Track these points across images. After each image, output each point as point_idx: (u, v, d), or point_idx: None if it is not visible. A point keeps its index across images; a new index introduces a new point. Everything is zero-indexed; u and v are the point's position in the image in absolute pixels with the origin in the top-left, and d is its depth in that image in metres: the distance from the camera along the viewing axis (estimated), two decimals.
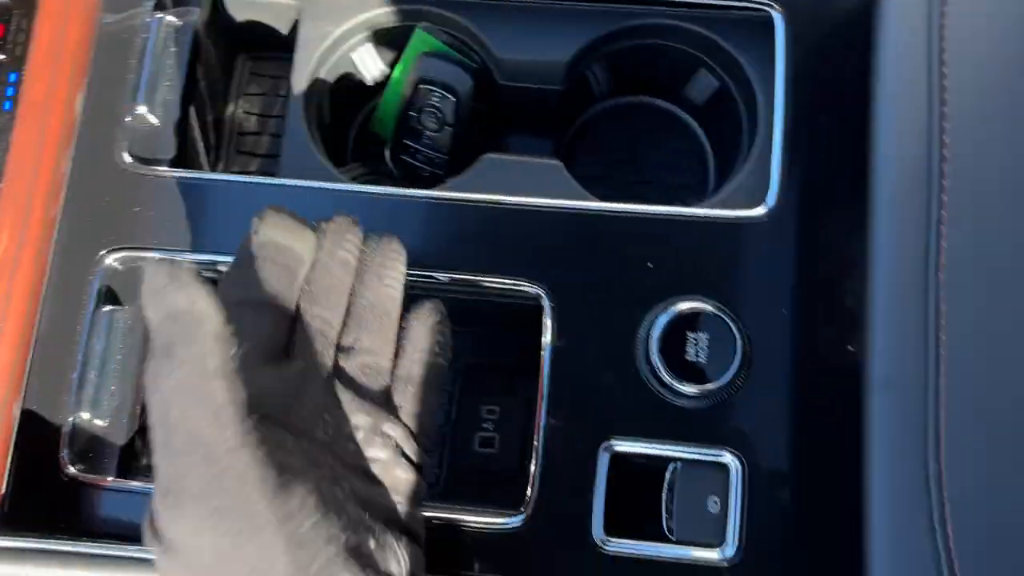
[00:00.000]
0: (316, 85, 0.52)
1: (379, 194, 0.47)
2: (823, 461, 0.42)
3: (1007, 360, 0.35)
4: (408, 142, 0.55)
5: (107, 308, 0.46)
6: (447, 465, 0.53)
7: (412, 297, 0.40)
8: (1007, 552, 0.34)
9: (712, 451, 0.43)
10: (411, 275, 0.40)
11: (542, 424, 0.43)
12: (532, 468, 0.43)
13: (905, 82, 0.37)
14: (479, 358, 0.54)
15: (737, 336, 0.43)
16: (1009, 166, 0.36)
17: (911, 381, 0.35)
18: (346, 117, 0.58)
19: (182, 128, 0.49)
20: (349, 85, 0.55)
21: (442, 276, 0.45)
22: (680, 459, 0.43)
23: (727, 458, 0.43)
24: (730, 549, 0.41)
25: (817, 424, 0.43)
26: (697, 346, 0.43)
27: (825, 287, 0.44)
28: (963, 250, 0.35)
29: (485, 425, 0.52)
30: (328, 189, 0.47)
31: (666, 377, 0.42)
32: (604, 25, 0.50)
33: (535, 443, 0.43)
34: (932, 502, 0.34)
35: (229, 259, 0.43)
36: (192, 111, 0.51)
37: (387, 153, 0.56)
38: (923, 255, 0.36)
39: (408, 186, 0.48)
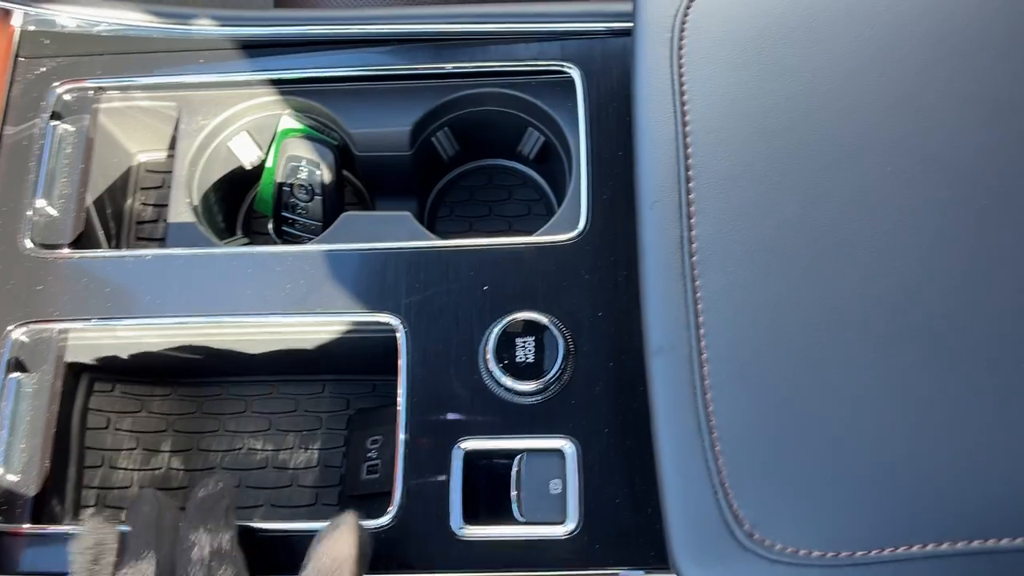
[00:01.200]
0: (198, 172, 0.60)
1: (246, 253, 0.55)
2: (644, 433, 0.49)
3: (752, 323, 0.42)
4: (286, 215, 0.63)
5: (15, 375, 0.52)
6: (345, 500, 0.59)
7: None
8: (773, 480, 0.41)
9: (551, 439, 0.49)
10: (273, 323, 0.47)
11: (401, 438, 0.50)
12: (396, 475, 0.49)
13: (655, 106, 0.46)
14: (366, 401, 0.62)
15: (559, 336, 0.50)
16: (738, 173, 0.44)
17: (679, 346, 0.42)
18: (236, 199, 0.66)
19: (80, 217, 0.57)
20: (233, 170, 0.64)
21: (306, 319, 0.53)
22: (523, 450, 0.49)
23: (564, 444, 0.49)
24: (571, 523, 0.48)
25: (636, 403, 0.50)
26: (526, 349, 0.50)
27: (630, 288, 0.52)
28: (709, 238, 0.44)
29: (370, 454, 0.58)
30: (202, 255, 0.55)
31: (501, 378, 0.50)
32: (437, 97, 0.59)
33: (397, 455, 0.50)
34: (705, 447, 0.41)
35: (124, 322, 0.50)
36: (91, 203, 0.59)
37: (270, 226, 0.65)
38: (678, 244, 0.44)
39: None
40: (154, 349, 0.56)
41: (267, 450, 0.62)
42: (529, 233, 0.56)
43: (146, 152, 0.65)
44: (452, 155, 0.64)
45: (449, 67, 0.58)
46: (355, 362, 0.60)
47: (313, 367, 0.61)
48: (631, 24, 0.51)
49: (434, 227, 0.67)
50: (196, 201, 0.59)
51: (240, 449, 0.62)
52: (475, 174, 0.68)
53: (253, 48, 0.59)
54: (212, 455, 0.62)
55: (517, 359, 0.50)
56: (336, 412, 0.63)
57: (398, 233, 0.56)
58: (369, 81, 0.59)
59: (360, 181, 0.65)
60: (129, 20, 0.58)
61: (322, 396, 0.63)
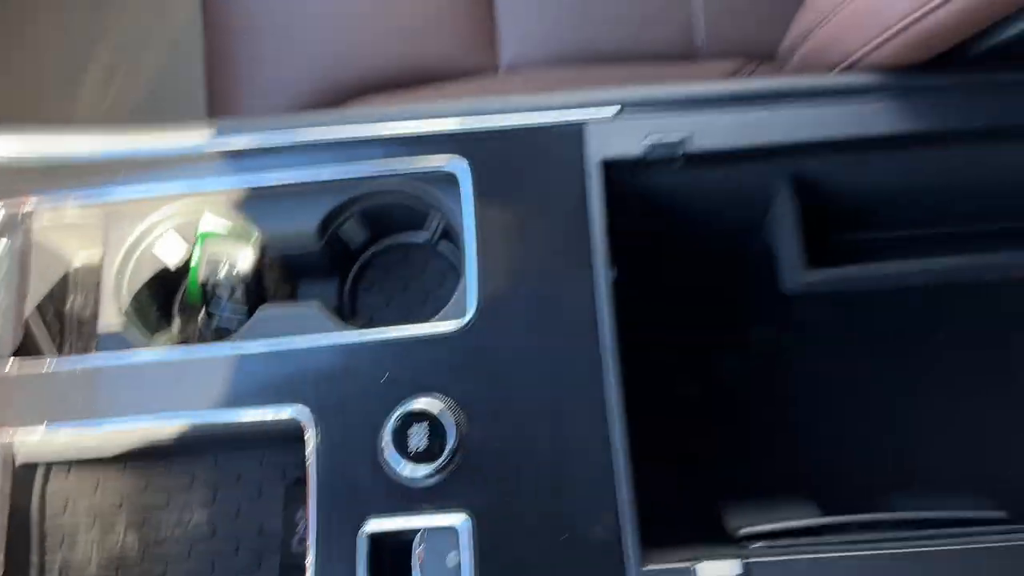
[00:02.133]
0: (126, 278, 0.65)
1: (165, 360, 0.60)
2: (534, 503, 0.54)
3: None
4: (212, 311, 0.68)
5: None
6: (283, 568, 0.64)
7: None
8: None
9: (448, 515, 0.55)
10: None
11: (313, 519, 0.55)
12: (308, 556, 0.55)
13: None
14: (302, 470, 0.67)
15: (451, 421, 0.55)
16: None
17: None
18: (170, 292, 0.72)
19: (19, 329, 0.62)
20: (162, 270, 0.69)
21: (223, 413, 0.58)
22: (423, 528, 0.55)
23: (459, 519, 0.54)
24: None
25: (526, 476, 0.55)
26: (421, 434, 0.55)
27: (517, 370, 0.57)
28: None
29: (298, 527, 0.63)
30: (125, 365, 0.60)
31: (399, 463, 0.55)
32: (341, 194, 0.64)
33: (308, 537, 0.55)
34: None
35: (63, 429, 0.55)
36: (33, 310, 0.64)
37: (200, 318, 0.70)
38: None
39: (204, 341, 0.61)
40: (94, 450, 0.61)
41: (214, 520, 0.67)
42: (438, 309, 0.61)
43: (83, 253, 0.70)
44: (363, 240, 0.69)
45: (350, 170, 0.62)
46: (287, 435, 0.65)
47: (250, 442, 0.66)
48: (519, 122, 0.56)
49: (356, 304, 0.72)
50: (126, 306, 0.64)
51: (189, 520, 0.68)
52: (392, 250, 0.73)
53: (172, 162, 0.64)
54: (163, 527, 0.68)
55: (414, 444, 0.55)
56: (274, 481, 0.68)
57: (309, 324, 0.61)
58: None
59: (282, 269, 0.70)
60: (58, 150, 0.64)
61: (261, 466, 0.68)
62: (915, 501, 0.65)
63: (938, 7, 0.56)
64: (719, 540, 0.61)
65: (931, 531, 0.58)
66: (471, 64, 0.87)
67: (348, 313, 0.72)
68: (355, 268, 0.72)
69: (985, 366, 0.78)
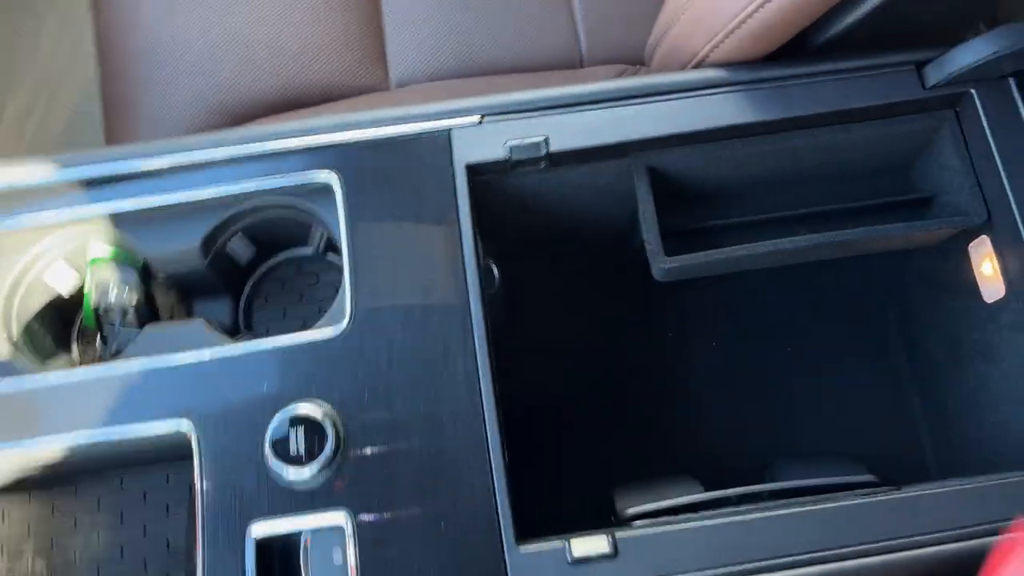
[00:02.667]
0: (14, 308, 0.66)
1: (49, 386, 0.61)
2: (414, 500, 0.57)
3: None
4: (106, 335, 0.69)
5: None
6: None
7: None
8: None
9: (331, 514, 0.57)
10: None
11: (200, 528, 0.57)
12: (197, 563, 0.56)
13: None
14: None
15: (330, 424, 0.57)
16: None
17: None
18: (67, 320, 0.73)
19: None
20: (55, 297, 0.70)
21: (114, 429, 0.59)
22: (307, 528, 0.57)
23: (342, 517, 0.56)
24: None
25: (404, 474, 0.57)
26: (302, 438, 0.57)
27: (392, 371, 0.59)
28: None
29: None
30: (12, 392, 0.61)
31: (282, 467, 0.57)
32: (221, 212, 0.66)
33: (197, 544, 0.57)
34: None
35: None
36: None
37: (98, 340, 0.71)
38: None
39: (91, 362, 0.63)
40: None
41: (121, 540, 0.68)
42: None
43: None
44: (250, 257, 0.71)
45: (226, 189, 0.64)
46: (182, 450, 0.67)
47: (154, 461, 0.68)
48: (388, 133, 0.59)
49: (251, 319, 0.74)
50: (16, 335, 0.66)
51: (97, 543, 0.69)
52: (285, 264, 0.75)
53: (56, 190, 0.66)
54: (72, 552, 0.69)
55: (295, 448, 0.57)
56: (180, 497, 0.69)
57: (193, 340, 0.63)
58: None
59: (176, 290, 0.72)
60: None
61: (168, 484, 0.69)
62: (792, 471, 0.68)
63: (767, 2, 0.60)
64: (611, 524, 0.63)
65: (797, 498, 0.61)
66: (363, 83, 0.90)
67: (244, 328, 0.74)
68: (249, 284, 0.74)
69: (860, 337, 0.82)
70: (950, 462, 0.75)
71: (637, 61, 0.92)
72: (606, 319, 0.83)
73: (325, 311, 0.74)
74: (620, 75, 0.90)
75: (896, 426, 0.78)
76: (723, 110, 0.64)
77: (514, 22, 0.92)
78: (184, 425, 0.59)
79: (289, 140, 0.65)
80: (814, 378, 0.81)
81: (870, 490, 0.62)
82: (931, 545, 0.55)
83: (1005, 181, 0.62)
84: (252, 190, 0.65)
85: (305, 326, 0.74)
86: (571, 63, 0.93)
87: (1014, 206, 0.61)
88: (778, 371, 0.81)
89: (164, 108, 0.88)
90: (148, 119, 0.87)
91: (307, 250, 0.73)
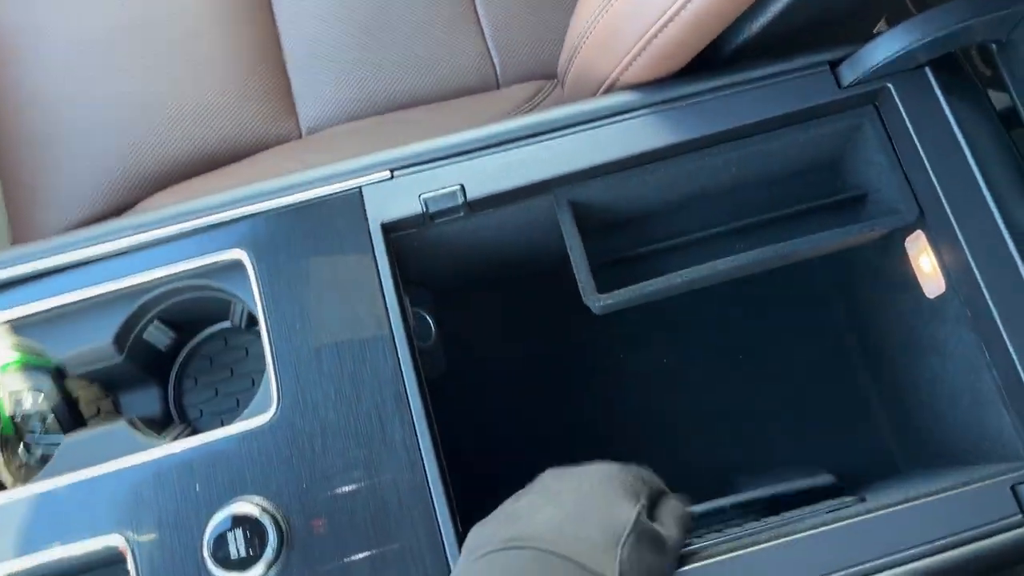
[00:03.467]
0: None
1: None
2: None
3: None
4: (29, 442, 0.66)
5: None
6: None
7: None
8: None
9: None
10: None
11: None
12: None
13: None
14: None
15: (270, 520, 0.54)
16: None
17: None
18: None
19: None
20: None
21: (40, 555, 0.56)
22: None
23: None
24: None
25: (356, 558, 0.54)
26: (242, 538, 0.54)
27: (328, 453, 0.56)
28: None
29: None
30: None
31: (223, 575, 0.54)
32: (131, 304, 0.63)
33: None
34: None
35: None
36: None
37: (20, 449, 0.67)
38: None
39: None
40: None
41: None
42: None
43: None
44: (171, 341, 0.67)
45: (132, 280, 0.61)
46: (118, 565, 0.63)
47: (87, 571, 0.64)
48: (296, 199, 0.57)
49: (182, 401, 0.70)
50: None
51: None
52: (210, 342, 0.71)
53: None
54: None
55: (235, 552, 0.54)
56: None
57: (117, 445, 0.59)
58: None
59: (99, 386, 0.68)
60: None
61: None
62: (756, 484, 0.66)
63: (669, 22, 0.58)
64: None
65: (777, 516, 0.60)
66: (274, 134, 0.86)
67: (176, 415, 0.70)
68: (175, 368, 0.70)
69: (813, 338, 0.80)
70: (915, 456, 0.73)
71: (553, 74, 0.89)
72: (556, 347, 0.80)
73: (258, 383, 0.71)
74: (538, 92, 0.88)
75: (858, 424, 0.77)
76: (639, 135, 0.62)
77: (423, 49, 0.88)
78: (116, 540, 0.56)
79: (193, 220, 0.62)
80: (772, 383, 0.79)
81: (836, 503, 0.61)
82: (906, 562, 0.53)
83: (932, 175, 0.60)
84: (160, 277, 0.61)
85: (239, 404, 0.71)
86: (488, 84, 0.90)
87: (944, 200, 0.60)
88: (734, 381, 0.79)
89: (71, 188, 0.83)
90: (55, 204, 0.83)
91: (228, 324, 0.70)
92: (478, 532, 0.52)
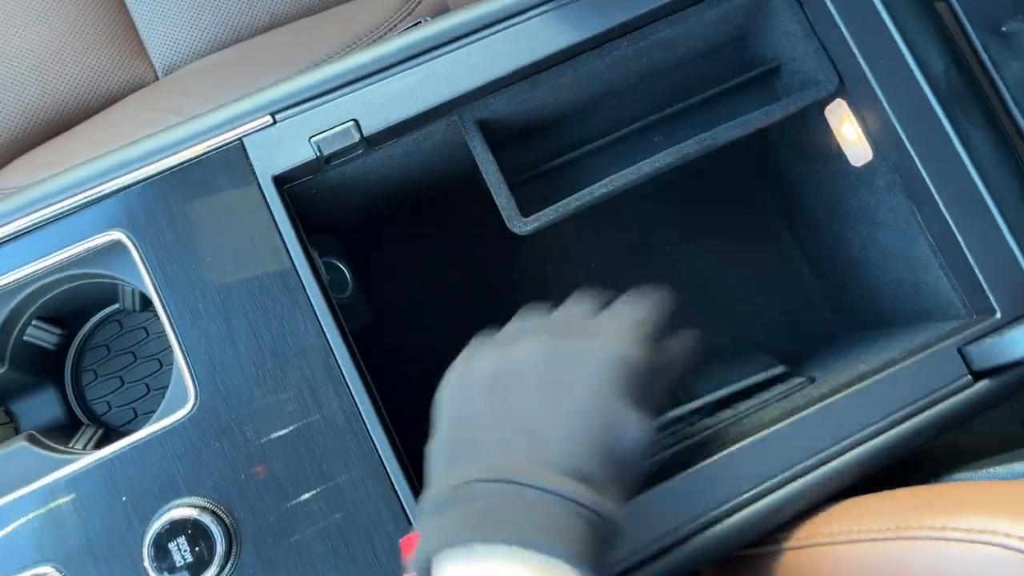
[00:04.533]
0: None
1: None
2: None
3: None
4: None
5: None
6: None
7: None
8: None
9: None
10: None
11: None
12: None
13: None
14: None
15: (212, 519, 0.50)
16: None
17: None
18: None
19: None
20: None
21: None
22: None
23: None
24: None
25: (304, 539, 0.51)
26: (184, 547, 0.50)
27: (259, 436, 0.52)
28: None
29: None
30: None
31: None
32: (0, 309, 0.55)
33: None
34: None
35: None
36: None
37: None
38: None
39: None
40: None
41: None
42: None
43: None
44: (58, 337, 0.60)
45: (1, 282, 0.53)
46: None
47: None
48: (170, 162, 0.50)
49: (85, 399, 0.64)
50: None
51: None
52: (104, 327, 0.64)
53: None
54: None
55: (181, 559, 0.50)
56: None
57: (22, 468, 0.53)
58: None
59: None
60: None
61: None
62: (711, 382, 0.66)
63: None
64: None
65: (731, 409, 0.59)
66: (128, 81, 0.76)
67: (83, 415, 0.64)
68: (68, 364, 0.63)
69: (741, 217, 0.78)
70: (850, 321, 0.74)
71: None
72: (480, 272, 0.76)
73: (168, 363, 0.65)
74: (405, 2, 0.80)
75: (794, 298, 0.77)
76: (538, 39, 0.56)
77: None
78: (47, 571, 0.51)
79: (56, 203, 0.54)
80: (705, 273, 0.77)
81: (786, 388, 0.61)
82: (867, 440, 0.53)
83: (849, 40, 0.57)
84: (29, 273, 0.54)
85: (149, 390, 0.65)
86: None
87: (864, 65, 0.57)
88: (671, 274, 0.77)
89: None
90: None
91: (119, 306, 0.63)
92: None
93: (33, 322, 0.58)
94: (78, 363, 0.64)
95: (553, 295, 0.79)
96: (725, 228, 0.77)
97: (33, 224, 0.54)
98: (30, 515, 0.51)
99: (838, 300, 0.74)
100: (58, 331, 0.61)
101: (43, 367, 0.61)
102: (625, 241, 0.77)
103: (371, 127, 0.55)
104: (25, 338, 0.58)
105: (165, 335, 0.63)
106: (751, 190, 0.78)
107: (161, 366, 0.65)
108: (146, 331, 0.65)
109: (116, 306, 0.64)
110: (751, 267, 0.77)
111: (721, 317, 0.76)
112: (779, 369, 0.65)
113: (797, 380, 0.62)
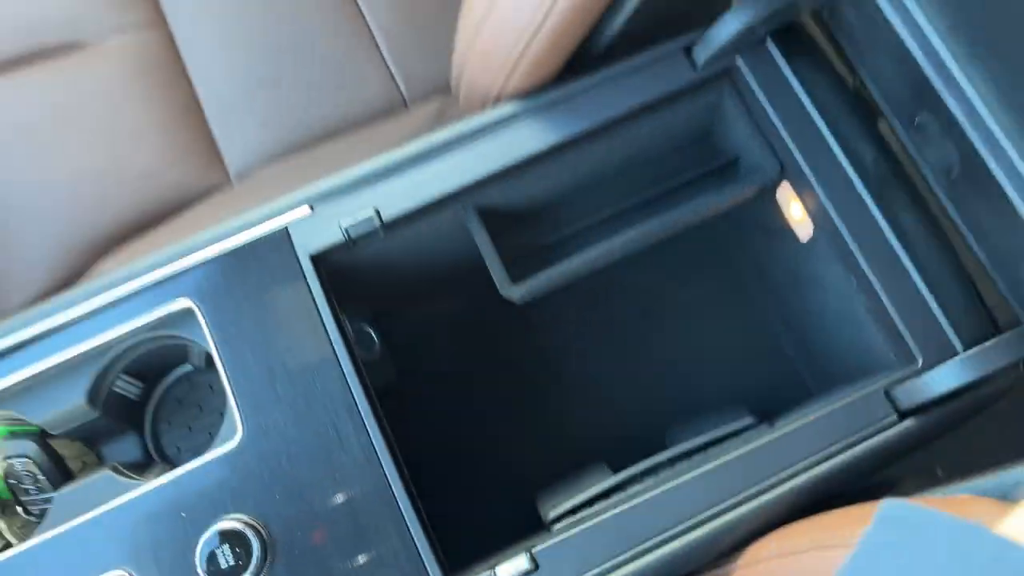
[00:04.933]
0: None
1: None
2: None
3: None
4: (24, 504, 0.72)
5: None
6: None
7: None
8: None
9: None
10: None
11: None
12: None
13: None
14: None
15: (253, 534, 0.61)
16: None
17: None
18: None
19: None
20: None
21: None
22: None
23: None
24: None
25: (343, 565, 0.62)
26: (227, 554, 0.61)
27: (295, 465, 0.63)
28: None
29: None
30: None
31: None
32: (98, 362, 0.69)
33: None
34: None
35: None
36: None
37: (18, 510, 0.74)
38: None
39: None
40: None
41: None
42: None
43: None
44: (139, 391, 0.74)
45: (95, 341, 0.67)
46: None
47: None
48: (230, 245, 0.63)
49: (160, 443, 0.77)
50: None
51: None
52: (176, 385, 0.78)
53: None
54: None
55: (224, 564, 0.61)
56: None
57: (104, 492, 0.66)
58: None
59: (81, 442, 0.74)
60: None
61: None
62: (687, 432, 0.74)
63: (533, 38, 0.65)
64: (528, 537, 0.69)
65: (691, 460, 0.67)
66: (205, 185, 0.92)
67: (157, 456, 0.77)
68: (148, 414, 0.77)
69: (721, 283, 0.88)
70: (822, 379, 0.82)
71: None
72: (493, 341, 0.88)
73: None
74: (443, 109, 0.95)
75: (771, 356, 0.86)
76: (527, 139, 0.69)
77: (330, 81, 0.95)
78: (119, 574, 0.62)
79: (141, 279, 0.68)
80: (690, 334, 0.87)
81: (750, 433, 0.69)
82: (804, 471, 0.62)
83: (785, 135, 0.68)
84: (121, 334, 0.68)
85: (211, 437, 0.78)
86: (395, 104, 0.96)
87: (798, 155, 0.68)
88: (658, 339, 0.87)
89: (22, 269, 0.89)
90: (10, 286, 0.89)
91: (189, 367, 0.77)
92: None
93: (121, 376, 0.72)
94: (156, 413, 0.77)
95: (555, 358, 0.90)
96: (712, 294, 0.87)
97: (126, 294, 0.68)
98: (109, 528, 0.64)
99: (807, 357, 0.83)
100: (140, 385, 0.74)
101: (126, 415, 0.75)
102: (623, 309, 0.88)
103: (389, 214, 0.68)
104: (115, 389, 0.72)
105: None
106: (730, 262, 0.88)
107: (222, 417, 0.78)
108: (211, 387, 0.78)
109: (188, 367, 0.77)
110: (735, 329, 0.87)
111: (707, 375, 0.85)
112: (748, 420, 0.73)
113: (762, 426, 0.71)
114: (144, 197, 0.91)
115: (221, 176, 0.93)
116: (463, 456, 0.85)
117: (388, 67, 0.96)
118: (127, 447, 0.76)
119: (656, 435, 0.80)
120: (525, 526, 0.71)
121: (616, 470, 0.71)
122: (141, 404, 0.77)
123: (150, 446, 0.77)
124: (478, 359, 0.87)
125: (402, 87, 0.97)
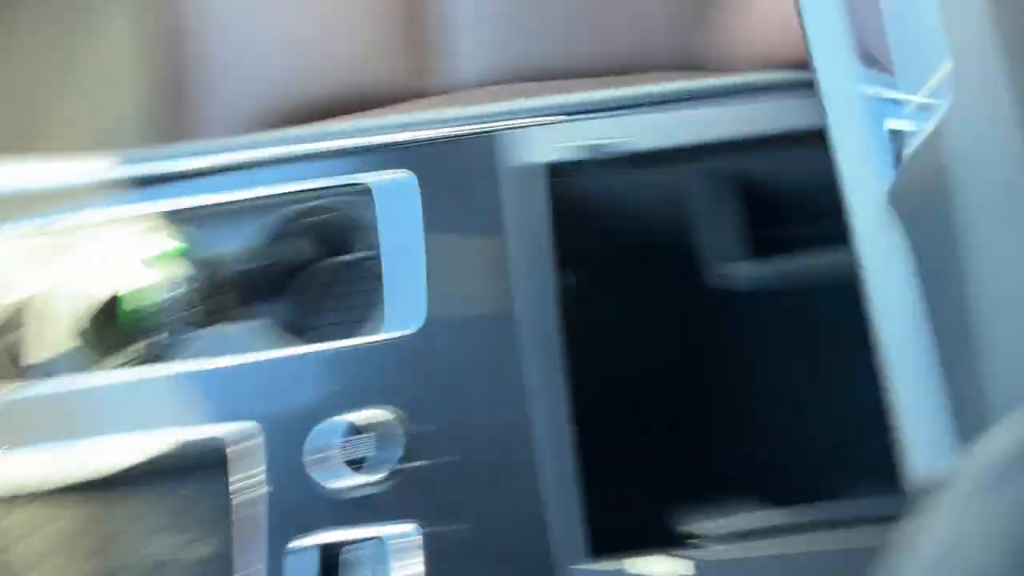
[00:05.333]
0: (76, 303, 0.65)
1: (121, 383, 0.60)
2: (484, 513, 0.54)
3: None
4: (167, 331, 0.67)
5: None
6: None
7: None
8: None
9: (393, 526, 0.54)
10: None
11: (245, 538, 0.55)
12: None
13: None
14: None
15: (399, 428, 0.55)
16: None
17: None
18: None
19: None
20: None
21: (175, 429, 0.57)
22: (372, 537, 0.54)
23: (405, 528, 0.53)
24: None
25: (476, 485, 0.55)
26: (364, 446, 0.55)
27: (469, 374, 0.57)
28: None
29: None
30: (83, 387, 0.60)
31: (345, 473, 0.54)
32: (281, 213, 0.64)
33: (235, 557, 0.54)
34: None
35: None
36: None
37: (153, 340, 0.69)
38: None
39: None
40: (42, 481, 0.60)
41: (162, 551, 0.64)
42: None
43: (33, 284, 0.69)
44: (308, 257, 0.69)
45: (292, 187, 0.63)
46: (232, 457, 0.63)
47: (197, 469, 0.64)
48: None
49: (306, 321, 0.71)
50: (76, 332, 0.64)
51: (143, 551, 0.66)
52: (352, 264, 0.72)
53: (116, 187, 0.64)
54: (116, 559, 0.65)
55: (358, 456, 0.55)
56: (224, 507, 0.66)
57: (256, 342, 0.61)
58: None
59: (233, 290, 0.70)
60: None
61: (211, 494, 0.66)
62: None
63: None
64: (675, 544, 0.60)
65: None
66: (418, 85, 0.88)
67: (301, 330, 0.72)
68: (307, 285, 0.72)
69: None
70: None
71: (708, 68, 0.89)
72: (664, 334, 0.79)
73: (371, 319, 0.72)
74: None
75: None
76: (805, 111, 0.62)
77: (605, 16, 0.88)
78: (251, 428, 0.57)
79: (359, 138, 0.64)
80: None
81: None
82: None
83: None
84: (319, 187, 0.63)
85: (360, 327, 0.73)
86: (640, 67, 0.89)
87: None
88: (837, 380, 0.77)
89: (216, 110, 0.87)
90: (199, 121, 0.86)
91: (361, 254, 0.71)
92: None
93: (298, 236, 0.67)
94: (313, 288, 0.72)
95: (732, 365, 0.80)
96: None
97: (336, 148, 0.64)
98: (252, 379, 0.59)
99: None
100: (311, 253, 0.69)
101: (288, 279, 0.70)
102: (810, 340, 0.77)
103: (640, 147, 0.62)
104: (287, 245, 0.67)
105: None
106: None
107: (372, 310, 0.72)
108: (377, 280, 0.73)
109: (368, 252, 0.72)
110: None
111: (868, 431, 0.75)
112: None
113: None
114: (352, 79, 0.87)
115: (440, 79, 0.88)
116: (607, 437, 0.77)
117: (650, 24, 0.89)
118: (277, 312, 0.71)
119: (809, 480, 0.70)
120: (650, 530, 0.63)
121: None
122: (301, 273, 0.72)
123: (297, 319, 0.72)
124: (646, 341, 0.78)
125: (656, 50, 0.89)
